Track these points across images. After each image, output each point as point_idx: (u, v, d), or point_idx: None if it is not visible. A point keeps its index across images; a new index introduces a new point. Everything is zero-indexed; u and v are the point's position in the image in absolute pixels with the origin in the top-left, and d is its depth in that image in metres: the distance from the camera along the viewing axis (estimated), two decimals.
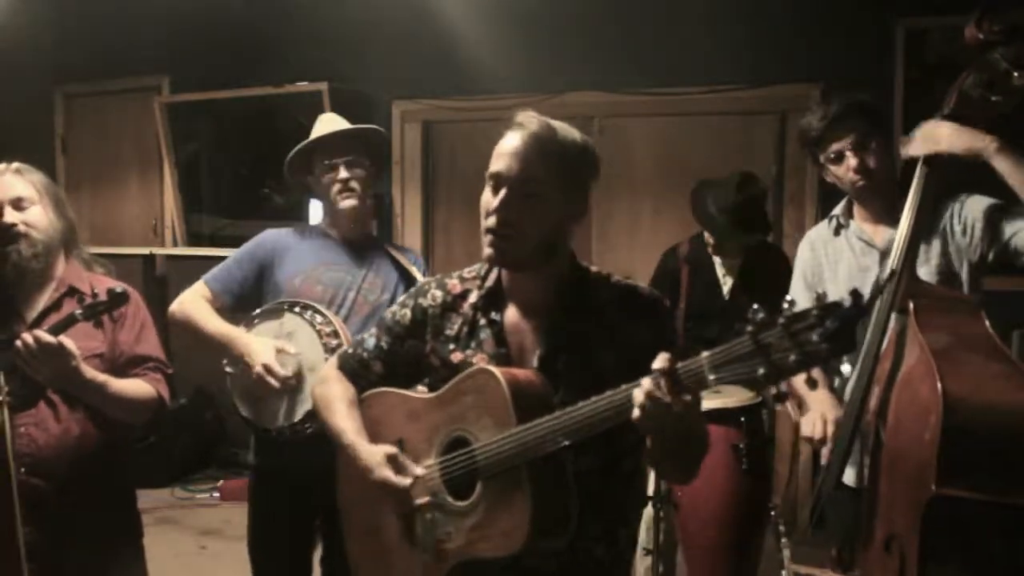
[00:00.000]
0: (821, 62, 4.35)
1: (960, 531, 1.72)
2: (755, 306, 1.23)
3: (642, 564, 3.04)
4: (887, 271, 2.01)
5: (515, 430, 1.50)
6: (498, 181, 1.57)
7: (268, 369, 2.25)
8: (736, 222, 3.11)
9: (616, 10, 4.68)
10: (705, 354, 1.29)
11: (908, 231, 1.98)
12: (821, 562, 2.91)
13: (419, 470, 1.66)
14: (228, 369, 2.37)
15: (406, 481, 1.64)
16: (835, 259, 2.32)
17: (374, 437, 1.76)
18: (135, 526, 2.28)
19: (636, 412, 1.35)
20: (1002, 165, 1.91)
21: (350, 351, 1.87)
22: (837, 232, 2.33)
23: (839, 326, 1.15)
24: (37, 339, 1.92)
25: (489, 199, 1.59)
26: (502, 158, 1.57)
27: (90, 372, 2.02)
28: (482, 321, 1.68)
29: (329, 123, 2.55)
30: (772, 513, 3.04)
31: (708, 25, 4.46)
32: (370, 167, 2.52)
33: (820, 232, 2.40)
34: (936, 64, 4.07)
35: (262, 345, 2.29)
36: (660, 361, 1.33)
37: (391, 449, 1.68)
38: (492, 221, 1.57)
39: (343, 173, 2.44)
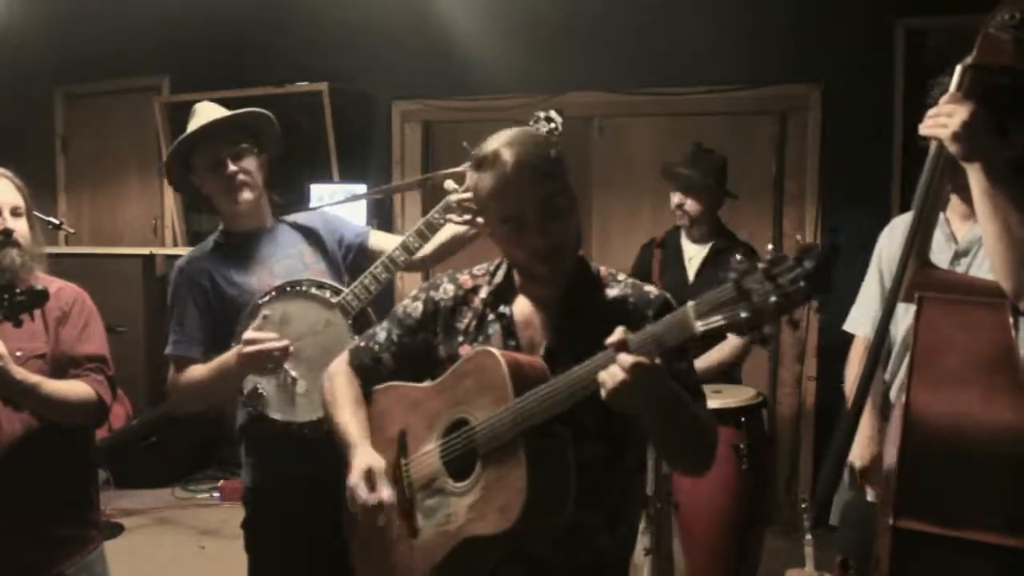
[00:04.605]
0: (821, 62, 4.35)
1: (926, 568, 1.60)
2: (738, 256, 1.28)
3: (643, 565, 3.04)
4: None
5: (511, 403, 1.51)
6: (521, 219, 1.59)
7: (248, 341, 2.08)
8: (701, 172, 3.44)
9: (616, 10, 4.68)
10: (691, 303, 1.34)
11: (916, 212, 1.80)
12: (823, 564, 2.92)
13: (387, 495, 1.65)
14: (248, 386, 2.20)
15: (371, 500, 1.64)
16: None
17: (378, 430, 1.78)
18: (91, 527, 2.23)
19: (603, 394, 1.41)
20: (977, 184, 1.73)
21: (362, 344, 1.88)
22: None
23: (815, 265, 1.20)
24: None
25: (512, 237, 1.61)
26: (509, 197, 1.59)
27: (20, 373, 1.94)
28: (491, 316, 1.71)
29: (206, 112, 2.31)
30: (803, 506, 3.07)
31: (708, 25, 4.46)
32: (259, 154, 2.31)
33: (905, 218, 2.17)
34: (936, 64, 4.05)
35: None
36: (616, 335, 1.42)
37: (375, 464, 1.68)
38: (540, 248, 1.59)
39: (230, 167, 2.23)
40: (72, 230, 4.02)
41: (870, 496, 2.11)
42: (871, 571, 1.81)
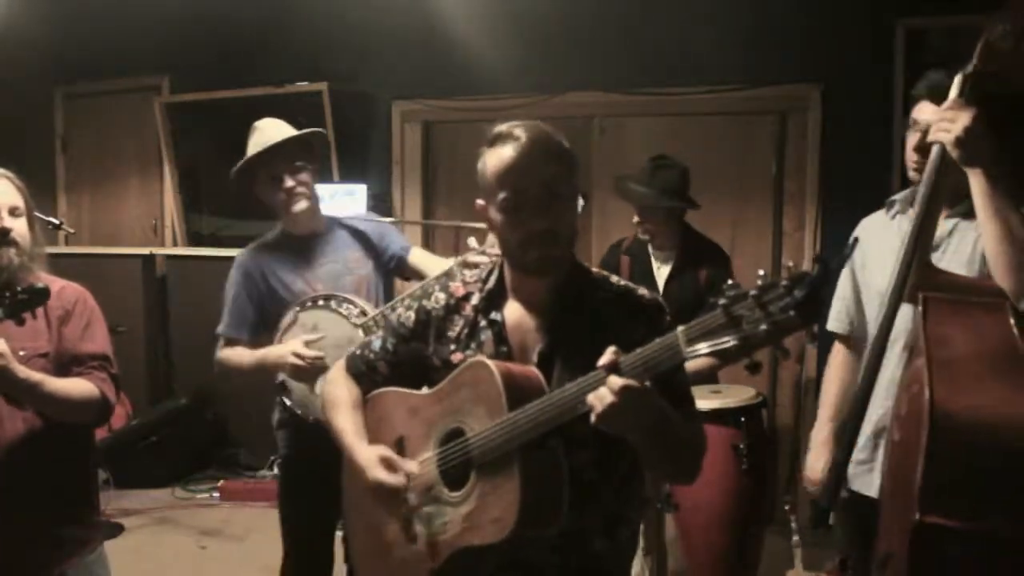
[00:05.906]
0: (821, 62, 4.35)
1: (948, 562, 1.59)
2: (729, 281, 1.27)
3: (639, 564, 3.04)
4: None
5: (506, 416, 1.52)
6: (523, 195, 1.59)
7: (297, 354, 2.48)
8: (657, 191, 3.30)
9: (616, 10, 4.68)
10: (680, 328, 1.33)
11: (919, 214, 1.82)
12: (823, 563, 2.92)
13: (413, 466, 1.68)
14: (280, 380, 2.59)
15: (400, 479, 1.67)
16: (885, 245, 2.07)
17: (376, 436, 1.79)
18: (91, 527, 2.23)
19: (592, 418, 1.41)
20: (978, 187, 1.77)
21: (357, 352, 1.89)
22: (893, 216, 2.16)
23: (807, 295, 1.19)
24: None
25: (510, 216, 1.60)
26: (515, 172, 1.59)
27: (23, 371, 1.95)
28: (483, 322, 1.70)
29: (267, 131, 2.63)
30: (787, 508, 3.07)
31: (708, 25, 4.45)
32: (313, 167, 2.65)
33: (876, 217, 2.25)
34: (936, 64, 4.05)
35: (289, 343, 2.54)
36: (607, 356, 1.41)
37: (385, 451, 1.71)
38: (536, 230, 1.58)
39: (288, 182, 2.57)
40: (72, 230, 4.02)
41: (873, 491, 2.09)
42: (872, 571, 1.81)
